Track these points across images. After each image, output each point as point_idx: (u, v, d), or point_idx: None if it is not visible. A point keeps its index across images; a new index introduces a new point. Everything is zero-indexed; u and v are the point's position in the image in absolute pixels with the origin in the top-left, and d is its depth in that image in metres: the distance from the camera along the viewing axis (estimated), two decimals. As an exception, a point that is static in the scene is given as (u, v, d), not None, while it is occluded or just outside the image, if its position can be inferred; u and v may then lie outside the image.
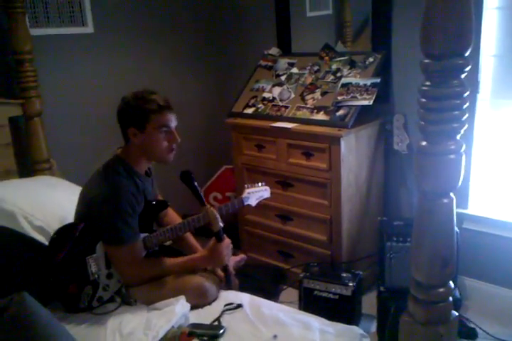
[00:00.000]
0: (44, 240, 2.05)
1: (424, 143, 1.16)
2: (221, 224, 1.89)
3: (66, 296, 1.88)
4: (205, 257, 1.96)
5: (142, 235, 1.96)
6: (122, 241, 1.86)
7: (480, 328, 2.32)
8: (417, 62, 1.13)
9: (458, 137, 1.16)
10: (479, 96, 2.43)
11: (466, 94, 1.15)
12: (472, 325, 2.33)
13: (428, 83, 1.13)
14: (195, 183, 1.89)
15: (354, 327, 1.72)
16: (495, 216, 2.48)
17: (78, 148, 2.85)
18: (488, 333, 2.30)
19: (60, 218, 2.12)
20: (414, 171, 1.21)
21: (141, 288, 1.92)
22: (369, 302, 2.44)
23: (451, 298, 1.15)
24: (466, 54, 1.11)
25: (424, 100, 1.15)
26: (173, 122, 1.92)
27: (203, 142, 3.49)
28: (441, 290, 1.13)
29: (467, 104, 1.16)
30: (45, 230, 2.10)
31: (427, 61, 1.11)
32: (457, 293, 2.26)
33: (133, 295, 1.92)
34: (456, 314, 1.15)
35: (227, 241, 1.95)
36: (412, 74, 2.49)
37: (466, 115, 1.16)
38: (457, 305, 2.18)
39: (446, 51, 1.10)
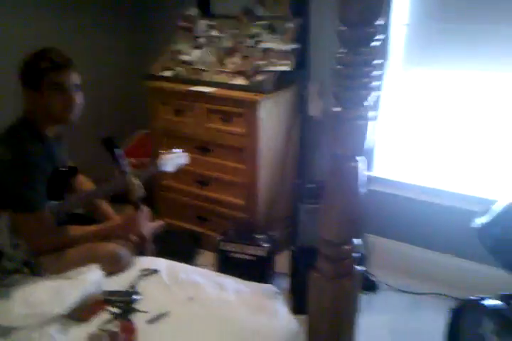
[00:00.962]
0: None
1: (336, 108, 1.21)
2: (141, 193, 1.86)
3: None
4: (121, 226, 1.92)
5: (52, 203, 1.87)
6: (30, 209, 1.77)
7: (381, 281, 2.51)
8: (334, 30, 1.15)
9: (367, 103, 1.22)
10: (389, 64, 2.50)
11: (376, 62, 1.19)
12: (374, 279, 2.51)
13: (343, 50, 1.17)
14: (117, 150, 1.83)
15: (269, 285, 1.78)
16: (396, 178, 2.64)
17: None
18: (388, 285, 2.50)
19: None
20: (326, 136, 1.26)
21: (51, 258, 1.85)
22: (282, 262, 2.54)
23: (355, 254, 1.23)
24: (378, 23, 1.14)
25: (338, 67, 1.18)
26: (70, 80, 1.80)
27: (117, 105, 3.34)
28: (346, 247, 1.21)
29: (378, 71, 1.21)
30: None
31: (342, 28, 1.14)
32: (361, 249, 2.41)
33: (42, 266, 1.84)
34: (360, 269, 1.24)
35: (145, 211, 1.92)
36: (328, 42, 2.54)
37: (377, 82, 1.22)
38: (361, 260, 2.34)
39: (360, 19, 1.13)
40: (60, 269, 1.81)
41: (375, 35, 1.16)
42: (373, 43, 1.17)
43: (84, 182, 2.18)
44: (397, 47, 2.50)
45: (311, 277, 1.23)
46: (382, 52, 2.39)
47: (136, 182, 1.85)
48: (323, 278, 1.21)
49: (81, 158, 2.24)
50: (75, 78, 1.82)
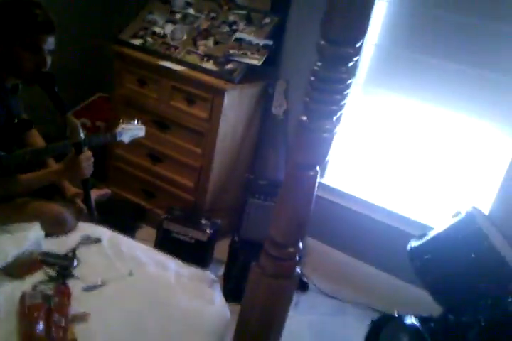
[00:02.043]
0: None
1: (304, 118, 1.27)
2: (82, 136, 1.79)
3: None
4: (62, 170, 1.85)
5: None
6: None
7: (312, 283, 2.62)
8: (311, 34, 1.19)
9: (334, 118, 1.29)
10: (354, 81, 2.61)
11: (349, 81, 1.27)
12: (306, 280, 2.61)
13: (320, 64, 1.22)
14: (56, 89, 1.76)
15: (207, 272, 1.83)
16: (343, 188, 2.75)
17: None
18: (318, 288, 2.61)
19: None
20: (289, 140, 1.33)
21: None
22: (221, 249, 2.60)
23: (297, 257, 1.32)
24: (358, 45, 1.21)
25: (313, 79, 1.24)
26: (47, 45, 1.75)
27: (78, 64, 3.21)
28: (291, 249, 1.29)
29: (349, 90, 1.29)
30: None
31: (323, 43, 1.19)
32: (302, 252, 2.52)
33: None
34: (299, 271, 1.33)
35: (87, 154, 1.84)
36: (303, 44, 2.58)
37: (345, 100, 1.29)
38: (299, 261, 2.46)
39: (341, 39, 1.18)
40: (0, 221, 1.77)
41: (354, 56, 1.23)
42: (350, 63, 1.24)
43: (36, 138, 2.12)
44: (363, 65, 2.59)
45: (251, 272, 1.31)
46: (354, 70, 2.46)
47: (76, 122, 1.79)
48: (263, 275, 1.28)
49: (36, 114, 2.18)
50: (52, 43, 1.77)
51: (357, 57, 1.23)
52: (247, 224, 2.37)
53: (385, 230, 2.56)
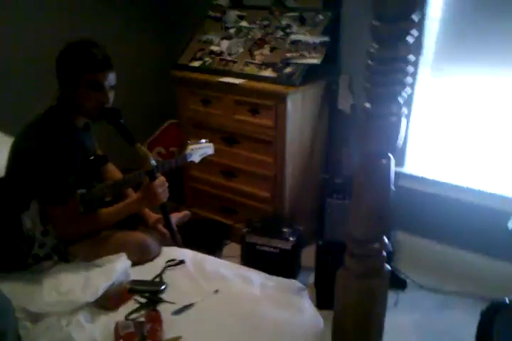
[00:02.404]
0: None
1: (367, 104, 1.19)
2: (153, 163, 1.84)
3: (-1, 254, 1.81)
4: (140, 199, 1.91)
5: (81, 191, 1.88)
6: (58, 200, 1.79)
7: (410, 279, 2.48)
8: (367, 24, 1.13)
9: (400, 100, 1.20)
10: (422, 60, 2.46)
11: (411, 58, 1.17)
12: (403, 276, 2.49)
13: (376, 45, 1.14)
14: (123, 121, 1.81)
15: (293, 281, 1.77)
16: (427, 175, 2.60)
17: (6, 94, 2.63)
18: (417, 283, 2.47)
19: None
20: (357, 131, 1.24)
21: (81, 245, 1.88)
22: (308, 256, 2.54)
23: (384, 253, 1.22)
24: (414, 18, 1.12)
25: (370, 62, 1.16)
26: (108, 81, 1.80)
27: (145, 95, 3.34)
28: (375, 245, 1.20)
29: (411, 67, 1.19)
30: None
31: (376, 23, 1.12)
32: (390, 247, 2.39)
33: (72, 253, 1.87)
34: (389, 268, 1.23)
35: (161, 180, 1.90)
36: (360, 35, 2.46)
37: (410, 78, 1.20)
38: (389, 257, 2.33)
39: (395, 13, 1.11)
40: (88, 256, 1.84)
41: (409, 31, 1.14)
42: (407, 39, 1.15)
43: (113, 171, 2.21)
44: (430, 43, 2.44)
45: (338, 274, 1.23)
46: (416, 48, 2.34)
47: (145, 151, 1.84)
48: (350, 275, 1.20)
49: (110, 148, 2.26)
50: (113, 79, 1.82)
51: (412, 33, 1.14)
52: (329, 225, 2.29)
53: (477, 211, 2.39)
